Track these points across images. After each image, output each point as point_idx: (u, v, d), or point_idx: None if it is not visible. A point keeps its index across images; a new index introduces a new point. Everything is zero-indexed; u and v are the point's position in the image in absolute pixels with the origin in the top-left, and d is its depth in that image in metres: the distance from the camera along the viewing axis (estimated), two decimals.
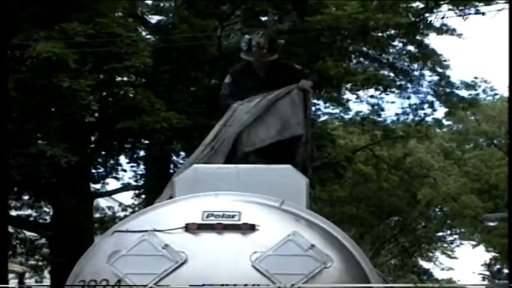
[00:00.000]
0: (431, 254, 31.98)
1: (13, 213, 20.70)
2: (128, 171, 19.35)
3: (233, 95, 6.95)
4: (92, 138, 16.91)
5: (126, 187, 19.73)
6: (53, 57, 12.06)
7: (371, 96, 20.41)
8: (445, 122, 25.59)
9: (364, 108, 21.39)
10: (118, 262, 5.52)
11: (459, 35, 18.20)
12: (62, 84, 12.31)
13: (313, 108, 19.29)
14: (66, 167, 13.05)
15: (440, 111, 21.63)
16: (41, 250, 21.82)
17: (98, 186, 20.18)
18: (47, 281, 20.86)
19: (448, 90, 19.68)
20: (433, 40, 18.86)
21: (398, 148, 24.46)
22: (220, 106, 7.30)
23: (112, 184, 20.93)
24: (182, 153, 18.00)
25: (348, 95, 20.39)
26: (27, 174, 13.35)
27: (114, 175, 18.84)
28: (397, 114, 21.13)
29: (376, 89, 19.81)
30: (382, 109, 21.06)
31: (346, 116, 21.64)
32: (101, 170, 18.51)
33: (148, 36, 16.27)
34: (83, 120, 13.43)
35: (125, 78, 14.76)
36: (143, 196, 19.26)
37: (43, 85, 12.63)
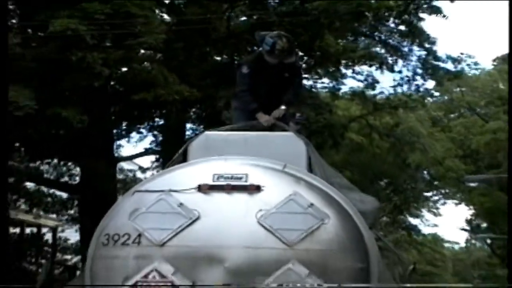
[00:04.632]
0: (418, 212, 32.03)
1: (47, 175, 20.90)
2: (148, 137, 19.49)
3: (252, 92, 6.67)
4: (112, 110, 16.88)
5: (145, 152, 19.80)
6: (68, 32, 12.00)
7: (367, 74, 20.26)
8: (434, 93, 25.40)
9: (358, 84, 21.20)
10: (138, 219, 5.57)
11: (445, 17, 18.03)
12: (73, 57, 12.26)
13: (312, 82, 19.28)
14: (82, 129, 13.00)
15: (431, 83, 21.56)
16: (71, 208, 22.05)
17: (121, 151, 20.35)
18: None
19: (435, 63, 19.53)
20: (422, 20, 18.59)
21: (390, 117, 24.34)
22: (237, 96, 7.01)
23: (133, 149, 21.04)
24: (194, 123, 18.06)
25: (344, 70, 20.27)
26: (47, 137, 13.44)
27: (134, 138, 18.95)
28: (393, 86, 20.99)
29: (371, 65, 19.73)
30: (377, 82, 20.93)
31: (342, 91, 21.50)
32: (123, 134, 18.66)
33: (165, 16, 16.15)
34: (93, 86, 13.31)
35: (142, 51, 14.69)
36: (160, 160, 19.32)
37: (58, 58, 12.58)
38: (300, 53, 16.37)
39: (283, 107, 6.70)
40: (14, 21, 14.51)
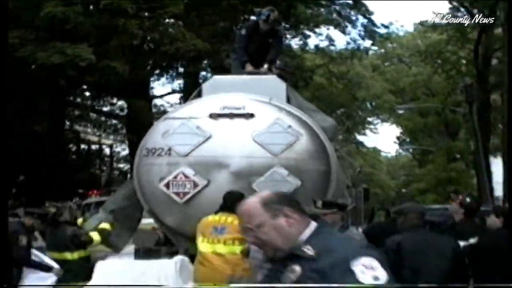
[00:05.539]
0: (363, 131, 32.10)
1: (105, 108, 20.93)
2: (174, 81, 19.34)
3: (245, 49, 6.44)
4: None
5: (172, 92, 19.78)
6: (115, 4, 11.67)
7: (327, 35, 20.07)
8: (374, 48, 25.02)
9: (320, 42, 20.90)
10: (168, 138, 5.50)
11: None
12: (119, 23, 11.98)
13: (287, 41, 18.88)
14: (128, 77, 12.81)
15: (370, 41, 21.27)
16: (122, 131, 22.10)
17: (154, 91, 20.26)
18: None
19: (372, 28, 19.37)
20: None
21: (343, 65, 24.04)
22: (234, 50, 6.79)
23: (163, 90, 20.88)
24: (206, 71, 17.82)
25: (310, 33, 20.01)
26: (102, 82, 13.35)
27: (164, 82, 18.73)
28: (345, 44, 20.78)
29: (328, 28, 19.59)
30: (333, 40, 20.83)
31: (309, 46, 21.22)
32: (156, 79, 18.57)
33: None
34: (133, 45, 12.96)
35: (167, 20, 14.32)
36: (183, 97, 19.20)
37: (108, 24, 12.28)
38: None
39: (266, 65, 6.49)
40: None
